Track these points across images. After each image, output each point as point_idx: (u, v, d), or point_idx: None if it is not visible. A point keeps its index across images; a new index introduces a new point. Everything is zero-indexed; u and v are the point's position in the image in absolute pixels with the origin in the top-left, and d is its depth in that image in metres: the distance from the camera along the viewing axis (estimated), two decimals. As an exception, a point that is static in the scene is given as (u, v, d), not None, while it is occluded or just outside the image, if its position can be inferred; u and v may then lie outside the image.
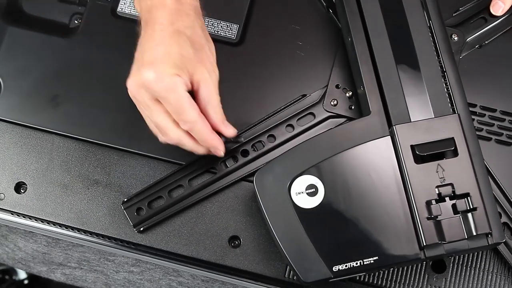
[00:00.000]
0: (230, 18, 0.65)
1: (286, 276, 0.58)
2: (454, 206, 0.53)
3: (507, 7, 0.61)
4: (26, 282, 1.04)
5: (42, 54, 0.64)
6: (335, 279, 0.53)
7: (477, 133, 0.59)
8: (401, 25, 0.57)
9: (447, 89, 0.56)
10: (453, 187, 0.53)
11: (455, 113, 0.55)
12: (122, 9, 0.65)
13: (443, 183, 0.53)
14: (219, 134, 0.55)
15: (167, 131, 0.53)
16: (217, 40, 0.63)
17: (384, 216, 0.53)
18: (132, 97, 0.53)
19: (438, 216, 0.52)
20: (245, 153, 0.60)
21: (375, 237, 0.52)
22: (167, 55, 0.51)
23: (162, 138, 0.55)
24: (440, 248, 0.52)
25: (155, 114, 0.53)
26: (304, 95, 0.62)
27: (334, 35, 0.63)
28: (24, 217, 0.61)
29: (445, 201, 0.53)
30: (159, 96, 0.51)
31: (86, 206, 0.60)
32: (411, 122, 0.55)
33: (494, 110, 0.61)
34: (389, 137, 0.55)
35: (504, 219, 0.58)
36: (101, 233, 0.60)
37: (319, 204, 0.53)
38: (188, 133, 0.53)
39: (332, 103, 0.61)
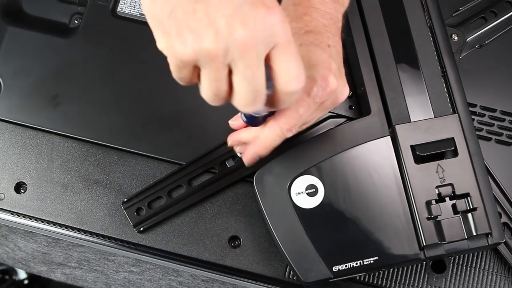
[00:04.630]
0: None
1: (286, 276, 0.58)
2: (454, 206, 0.53)
3: None
4: (26, 282, 1.04)
5: (42, 54, 0.64)
6: (335, 279, 0.53)
7: (477, 133, 0.59)
8: (401, 25, 0.57)
9: (447, 89, 0.56)
10: (453, 187, 0.53)
11: (455, 113, 0.55)
12: (122, 9, 0.65)
13: (443, 183, 0.53)
14: None
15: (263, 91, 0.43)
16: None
17: (384, 216, 0.53)
18: (243, 51, 0.40)
19: (438, 216, 0.52)
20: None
21: (375, 237, 0.52)
22: None
23: (253, 107, 0.43)
24: (440, 248, 0.52)
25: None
26: (304, 95, 0.61)
27: (334, 35, 0.63)
28: (24, 217, 0.61)
29: (445, 201, 0.53)
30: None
31: (86, 206, 0.60)
32: (411, 122, 0.55)
33: (494, 110, 0.61)
34: (389, 137, 0.55)
35: (504, 219, 0.58)
36: (101, 233, 0.60)
37: (319, 204, 0.53)
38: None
39: (332, 103, 0.61)
